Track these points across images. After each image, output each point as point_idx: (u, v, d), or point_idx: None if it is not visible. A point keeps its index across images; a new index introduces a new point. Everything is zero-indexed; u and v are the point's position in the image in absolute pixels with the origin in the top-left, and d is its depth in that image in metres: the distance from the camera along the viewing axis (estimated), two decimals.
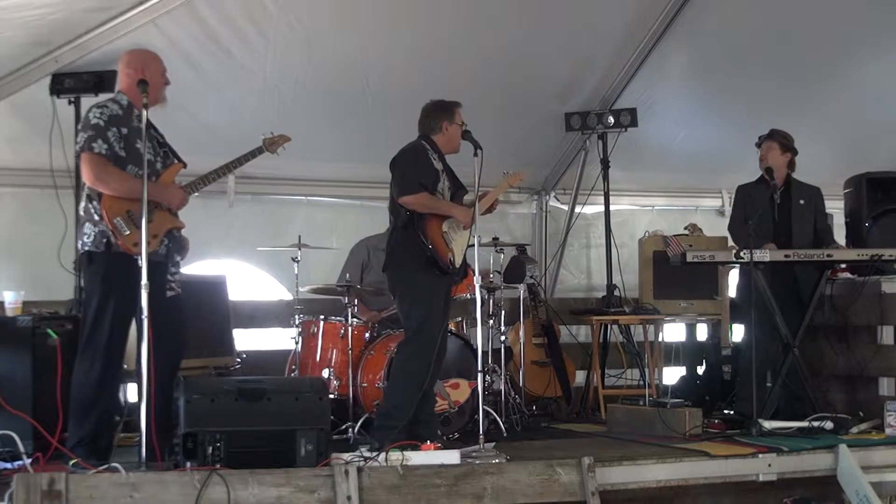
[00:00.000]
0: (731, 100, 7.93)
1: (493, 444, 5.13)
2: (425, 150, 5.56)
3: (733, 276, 6.81)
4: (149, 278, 4.48)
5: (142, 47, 5.33)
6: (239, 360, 6.57)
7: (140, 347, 4.45)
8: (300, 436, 4.50)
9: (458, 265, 5.51)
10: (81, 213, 4.89)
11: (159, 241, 4.84)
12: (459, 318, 6.65)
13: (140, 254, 4.56)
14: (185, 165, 5.06)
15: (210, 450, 4.36)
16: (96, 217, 4.77)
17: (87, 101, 5.59)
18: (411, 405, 5.28)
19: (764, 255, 5.99)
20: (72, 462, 4.37)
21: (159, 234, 4.83)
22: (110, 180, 4.72)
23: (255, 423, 4.47)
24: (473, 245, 5.24)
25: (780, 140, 6.47)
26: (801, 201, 6.48)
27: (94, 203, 4.77)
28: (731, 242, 7.00)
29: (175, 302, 4.95)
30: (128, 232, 4.71)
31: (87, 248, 4.79)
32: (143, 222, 4.51)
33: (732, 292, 6.82)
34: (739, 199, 6.65)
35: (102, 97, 5.36)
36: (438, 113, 5.62)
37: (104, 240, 4.74)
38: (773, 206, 6.44)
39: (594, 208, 8.27)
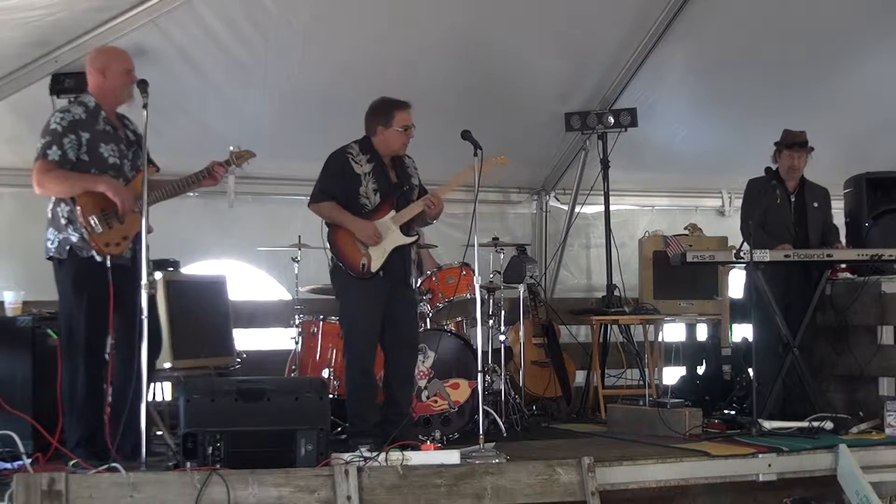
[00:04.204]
0: (731, 100, 7.93)
1: (493, 444, 5.13)
2: (344, 155, 5.44)
3: (736, 276, 6.81)
4: (114, 282, 4.54)
5: (107, 46, 5.31)
6: (239, 360, 6.55)
7: (140, 347, 4.43)
8: (300, 436, 4.50)
9: (375, 269, 5.38)
10: (49, 215, 4.80)
11: (129, 244, 4.77)
12: (459, 318, 6.65)
13: (110, 254, 4.63)
14: (157, 169, 4.99)
15: (210, 450, 4.37)
16: (62, 222, 4.72)
17: None
18: (369, 409, 5.35)
19: (764, 255, 5.98)
20: (72, 462, 4.38)
21: (129, 236, 4.76)
22: (49, 184, 4.67)
23: (255, 423, 4.48)
24: (473, 245, 5.23)
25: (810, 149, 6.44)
26: (815, 204, 6.47)
27: (63, 206, 4.72)
28: (731, 241, 6.98)
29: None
30: (100, 230, 4.66)
31: (51, 255, 4.76)
32: (142, 221, 4.51)
33: (733, 292, 6.81)
34: (754, 196, 6.44)
35: None
36: (375, 116, 5.47)
37: (67, 247, 4.70)
38: (789, 208, 6.43)
39: (594, 208, 8.26)
